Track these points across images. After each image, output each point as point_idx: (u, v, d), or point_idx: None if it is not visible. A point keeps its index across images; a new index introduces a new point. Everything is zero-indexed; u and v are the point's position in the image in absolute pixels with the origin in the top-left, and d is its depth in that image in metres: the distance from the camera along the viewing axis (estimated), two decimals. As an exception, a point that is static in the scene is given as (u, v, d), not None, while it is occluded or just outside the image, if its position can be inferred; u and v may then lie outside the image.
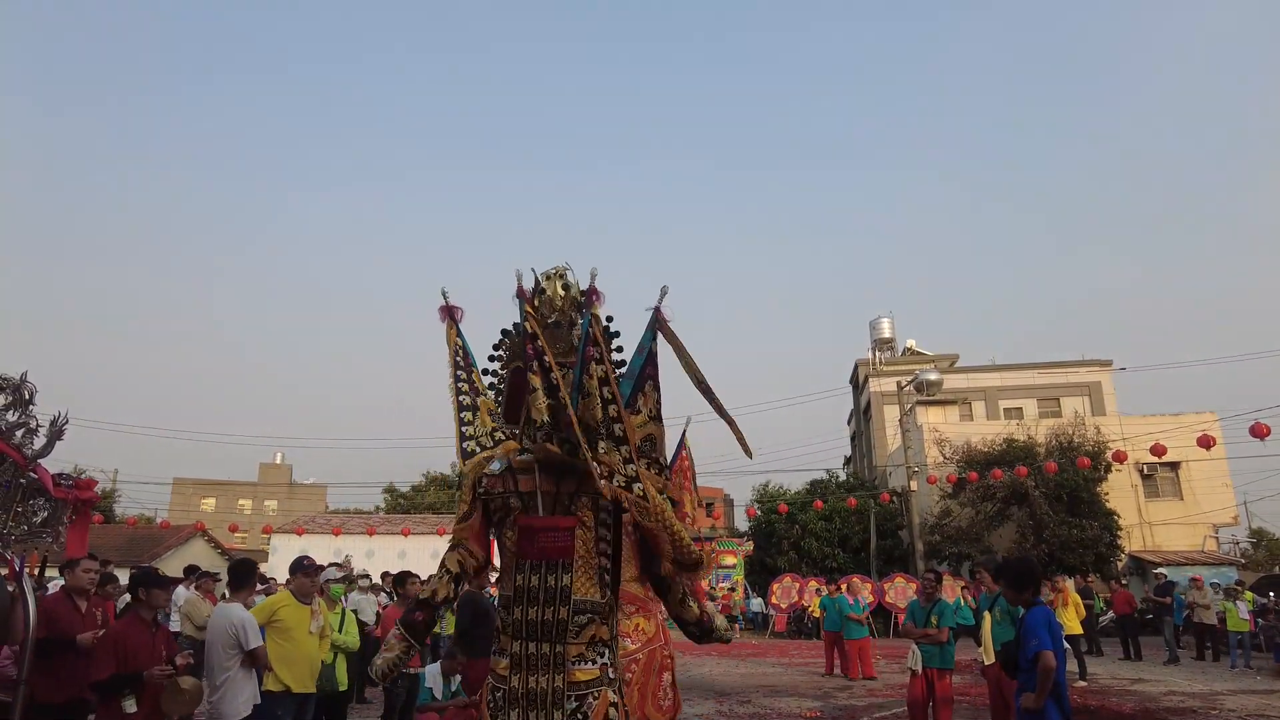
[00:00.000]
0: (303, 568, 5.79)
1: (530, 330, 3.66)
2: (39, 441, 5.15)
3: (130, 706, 4.55)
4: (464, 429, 3.75)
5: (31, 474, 4.97)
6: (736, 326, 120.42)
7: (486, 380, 3.91)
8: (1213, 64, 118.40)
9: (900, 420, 28.22)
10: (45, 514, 5.12)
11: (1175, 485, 29.05)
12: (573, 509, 3.63)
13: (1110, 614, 19.11)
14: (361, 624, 10.42)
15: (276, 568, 23.22)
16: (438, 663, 7.86)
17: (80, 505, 5.45)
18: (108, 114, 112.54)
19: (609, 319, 3.86)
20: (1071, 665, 12.03)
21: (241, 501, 55.84)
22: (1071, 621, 13.14)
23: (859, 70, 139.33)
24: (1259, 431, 15.45)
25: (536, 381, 3.57)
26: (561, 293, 3.86)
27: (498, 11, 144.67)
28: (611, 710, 3.56)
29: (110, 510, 36.06)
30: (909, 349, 42.38)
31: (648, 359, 3.92)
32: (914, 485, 26.57)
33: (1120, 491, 26.70)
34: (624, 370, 3.92)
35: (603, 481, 3.39)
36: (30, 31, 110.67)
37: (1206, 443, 17.49)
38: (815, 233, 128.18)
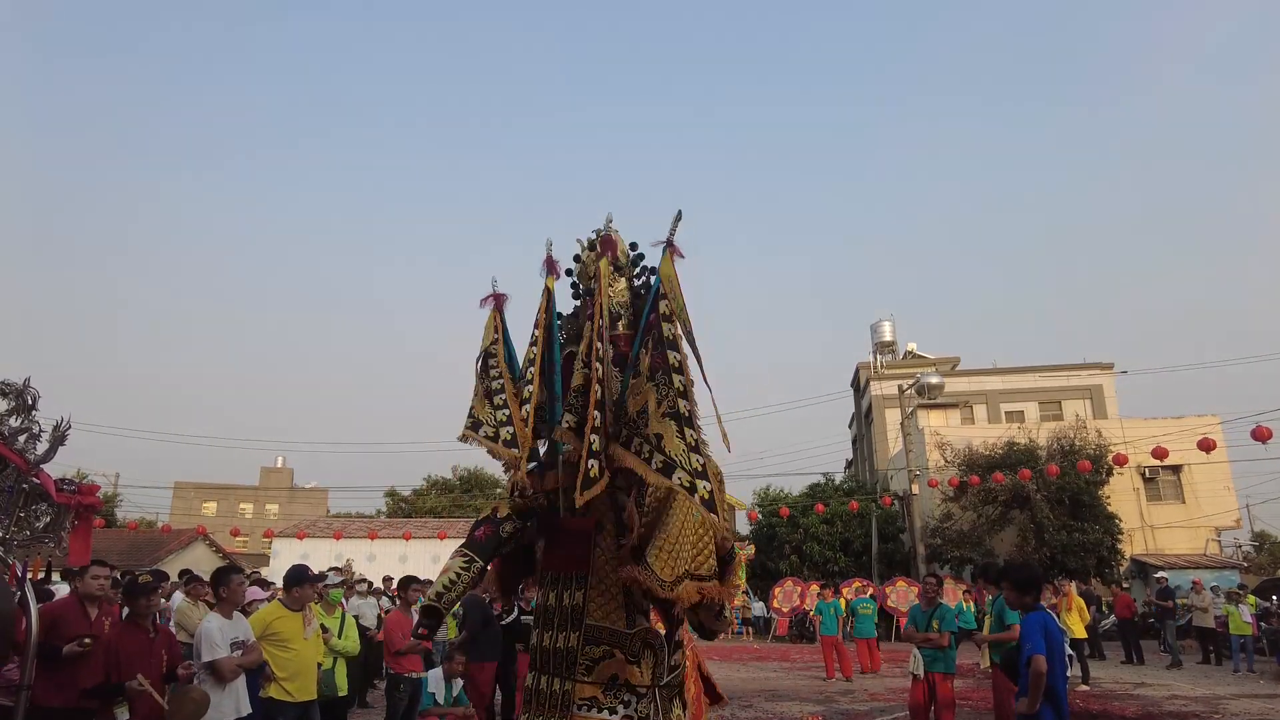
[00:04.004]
0: (306, 578, 5.80)
1: (542, 306, 3.21)
2: (41, 447, 5.14)
3: (123, 715, 4.55)
4: (473, 413, 3.28)
5: (34, 479, 4.97)
6: (737, 330, 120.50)
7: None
8: (1216, 64, 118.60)
9: (901, 423, 28.17)
10: (48, 519, 5.12)
11: (1177, 488, 29.02)
12: (589, 510, 2.86)
13: (1112, 618, 19.09)
14: (363, 628, 10.41)
15: (278, 572, 23.20)
16: (440, 667, 7.87)
17: (83, 510, 5.46)
18: (109, 113, 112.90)
19: (651, 270, 3.31)
20: (1075, 669, 12.01)
21: (243, 505, 55.80)
22: (1076, 625, 13.14)
23: (857, 70, 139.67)
24: (1260, 435, 15.43)
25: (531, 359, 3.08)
26: (592, 256, 3.33)
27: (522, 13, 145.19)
28: None
29: (112, 514, 36.11)
30: (910, 352, 42.38)
31: (653, 305, 3.04)
32: (915, 489, 26.54)
33: (1122, 495, 26.68)
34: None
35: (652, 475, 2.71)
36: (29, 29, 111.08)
37: (1208, 446, 17.48)
38: (816, 235, 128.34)
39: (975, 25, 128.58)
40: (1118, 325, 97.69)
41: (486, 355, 3.36)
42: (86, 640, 4.71)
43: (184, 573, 10.77)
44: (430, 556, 27.54)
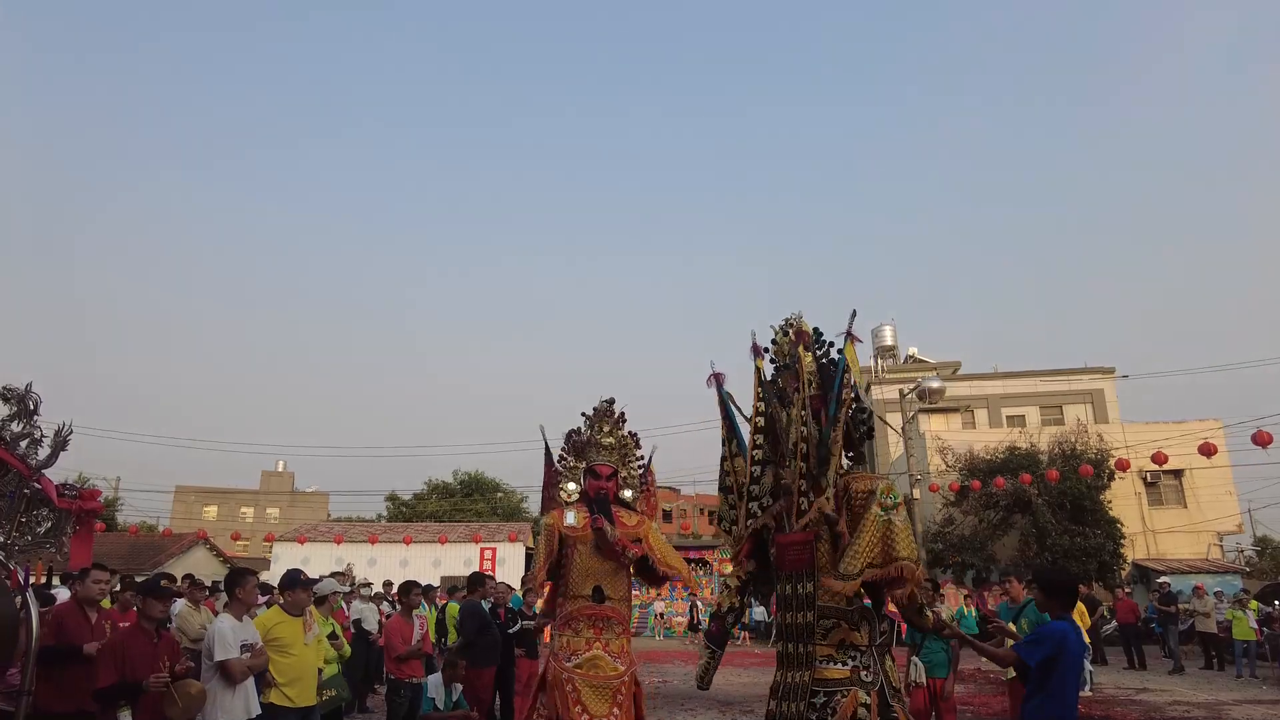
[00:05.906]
0: (300, 583, 5.78)
1: (800, 374, 4.45)
2: (43, 452, 5.14)
3: (126, 718, 4.55)
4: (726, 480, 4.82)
5: (36, 484, 4.97)
6: (737, 332, 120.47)
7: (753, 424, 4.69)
8: (1220, 69, 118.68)
9: (902, 428, 28.15)
10: (49, 524, 5.11)
11: (1179, 493, 28.95)
12: (809, 526, 4.20)
13: (1114, 623, 19.05)
14: (365, 632, 10.43)
15: (278, 576, 23.16)
16: (440, 672, 7.86)
17: (84, 515, 5.45)
18: (110, 118, 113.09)
19: (840, 351, 4.57)
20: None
21: (243, 509, 55.76)
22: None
23: (858, 73, 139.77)
24: (1261, 439, 15.37)
25: (781, 414, 4.37)
26: (787, 340, 4.69)
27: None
28: (861, 710, 3.89)
29: (113, 518, 36.07)
30: (911, 356, 42.34)
31: (843, 382, 4.47)
32: (916, 493, 26.48)
33: (1123, 499, 26.61)
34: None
35: (820, 499, 4.12)
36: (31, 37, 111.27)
37: (1209, 450, 17.43)
38: (816, 239, 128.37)
39: (978, 27, 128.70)
40: (1119, 329, 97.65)
41: (726, 453, 4.92)
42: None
43: (186, 577, 10.80)
44: (431, 560, 27.48)
